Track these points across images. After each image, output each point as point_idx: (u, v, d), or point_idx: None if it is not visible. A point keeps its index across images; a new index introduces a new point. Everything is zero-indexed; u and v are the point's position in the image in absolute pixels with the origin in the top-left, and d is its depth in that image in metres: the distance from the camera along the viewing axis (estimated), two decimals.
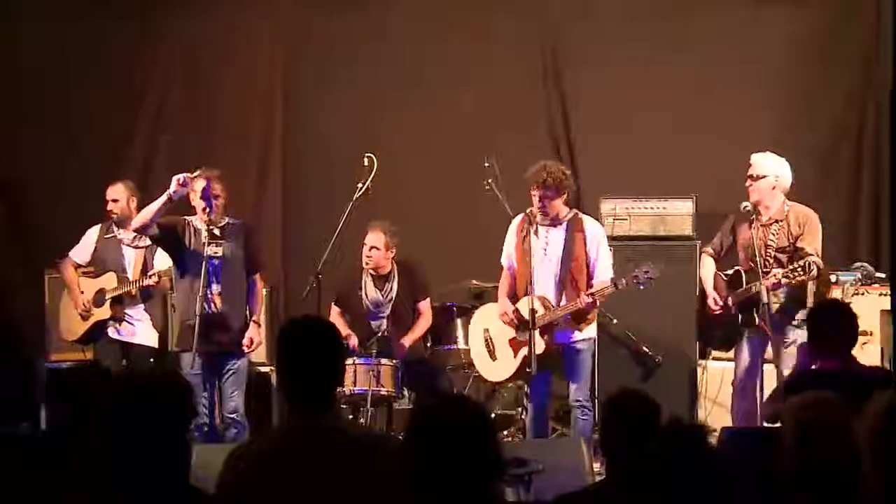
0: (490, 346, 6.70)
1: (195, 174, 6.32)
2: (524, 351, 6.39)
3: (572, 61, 8.69)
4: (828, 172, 8.20)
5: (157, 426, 2.96)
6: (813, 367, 4.98)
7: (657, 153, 8.35)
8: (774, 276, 6.32)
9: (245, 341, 6.58)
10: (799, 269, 6.26)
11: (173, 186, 6.25)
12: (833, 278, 7.38)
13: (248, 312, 6.66)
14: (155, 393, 2.99)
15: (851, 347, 4.86)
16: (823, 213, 6.84)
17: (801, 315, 6.39)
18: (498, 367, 6.68)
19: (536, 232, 6.44)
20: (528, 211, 6.47)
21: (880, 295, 7.21)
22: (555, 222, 6.48)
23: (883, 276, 7.37)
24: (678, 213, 7.78)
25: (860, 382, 4.34)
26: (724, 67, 8.36)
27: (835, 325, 4.87)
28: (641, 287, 6.40)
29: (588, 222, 6.59)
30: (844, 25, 8.38)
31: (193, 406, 3.12)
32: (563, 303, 6.39)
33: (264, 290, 7.10)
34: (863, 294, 7.27)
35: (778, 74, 8.38)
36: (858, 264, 7.65)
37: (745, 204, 6.57)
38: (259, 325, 6.73)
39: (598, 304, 6.41)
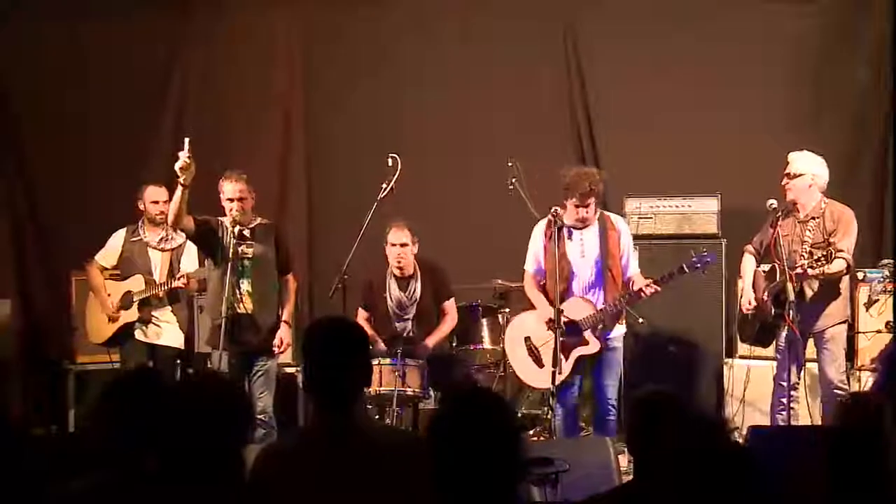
0: (535, 354, 6.62)
1: (186, 149, 6.10)
2: (576, 352, 6.39)
3: (595, 60, 8.66)
4: (852, 170, 8.12)
5: (217, 437, 2.93)
6: None
7: (681, 151, 8.30)
8: (801, 266, 6.37)
9: (276, 342, 6.60)
10: (822, 259, 6.32)
11: (181, 176, 6.11)
12: (860, 275, 7.34)
13: (279, 313, 6.67)
14: (217, 404, 2.96)
15: None
16: None
17: (833, 309, 6.55)
18: (547, 372, 6.61)
19: (570, 235, 6.43)
20: (552, 212, 6.41)
21: None
22: (586, 223, 6.46)
23: None
24: (703, 211, 7.75)
25: None
26: (747, 65, 8.30)
27: None
28: (703, 273, 6.64)
29: (616, 220, 6.61)
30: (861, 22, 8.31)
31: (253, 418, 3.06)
32: (601, 302, 6.38)
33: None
34: (891, 292, 7.21)
35: (802, 72, 8.31)
36: (886, 262, 7.59)
37: (771, 201, 6.56)
38: (290, 326, 6.72)
39: (652, 294, 6.39)
